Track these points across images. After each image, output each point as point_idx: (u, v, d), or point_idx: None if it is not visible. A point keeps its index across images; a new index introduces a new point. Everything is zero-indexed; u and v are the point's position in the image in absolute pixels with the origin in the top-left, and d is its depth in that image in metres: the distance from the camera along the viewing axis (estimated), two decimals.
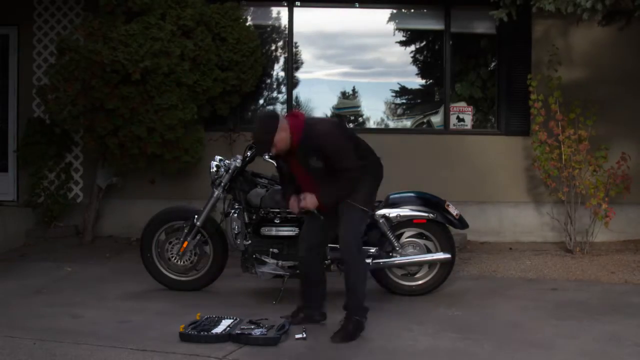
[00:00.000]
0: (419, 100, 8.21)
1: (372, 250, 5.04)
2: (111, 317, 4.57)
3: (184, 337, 4.03)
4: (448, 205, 5.17)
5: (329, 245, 5.02)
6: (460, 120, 7.80)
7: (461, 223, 5.20)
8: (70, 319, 4.54)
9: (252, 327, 4.18)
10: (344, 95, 8.14)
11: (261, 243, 5.03)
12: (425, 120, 8.04)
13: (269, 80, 8.02)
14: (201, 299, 5.13)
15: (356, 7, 7.90)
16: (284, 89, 7.95)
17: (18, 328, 4.26)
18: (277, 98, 8.08)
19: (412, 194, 5.26)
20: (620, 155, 6.82)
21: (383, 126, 8.08)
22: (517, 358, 3.83)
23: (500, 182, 7.61)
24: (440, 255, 5.12)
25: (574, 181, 6.80)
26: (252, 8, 7.86)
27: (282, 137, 3.95)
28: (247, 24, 7.31)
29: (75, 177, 7.83)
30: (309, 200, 4.15)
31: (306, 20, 7.87)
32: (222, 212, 5.24)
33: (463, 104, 7.83)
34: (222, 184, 5.16)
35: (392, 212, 5.07)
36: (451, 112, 7.79)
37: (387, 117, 8.14)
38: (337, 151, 3.97)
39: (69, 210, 7.67)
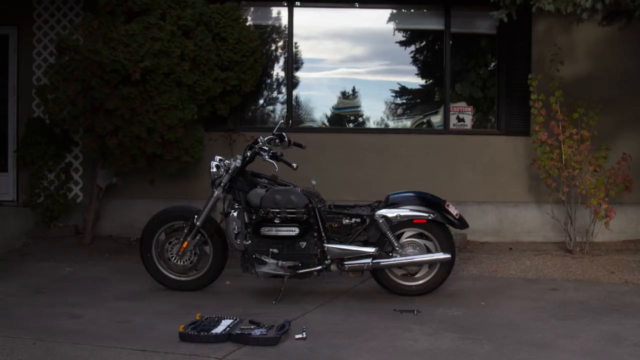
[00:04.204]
0: (419, 100, 8.20)
1: (372, 250, 5.04)
2: (111, 317, 4.57)
3: (184, 337, 4.03)
4: (448, 205, 5.17)
5: (329, 246, 5.03)
6: (460, 120, 7.80)
7: (461, 223, 5.19)
8: (70, 319, 4.53)
9: (252, 327, 4.18)
10: (344, 95, 8.13)
11: (261, 243, 5.03)
12: (425, 120, 8.04)
13: (269, 80, 8.02)
14: (201, 299, 5.13)
15: (356, 7, 7.91)
16: (284, 89, 7.95)
17: (18, 328, 4.26)
18: (277, 98, 8.08)
19: (412, 194, 5.26)
20: (621, 156, 6.82)
21: (383, 126, 8.08)
22: (517, 358, 3.82)
23: (500, 182, 7.62)
24: (440, 255, 5.11)
25: (574, 181, 6.80)
26: (252, 8, 7.87)
27: None
28: (247, 24, 7.31)
29: (75, 177, 7.83)
30: None
31: (306, 20, 7.87)
32: (222, 212, 5.25)
33: (463, 104, 7.83)
34: (222, 184, 5.16)
35: (392, 212, 5.06)
36: (451, 112, 7.79)
37: (387, 117, 8.14)
38: None
39: (69, 210, 7.67)
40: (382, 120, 8.13)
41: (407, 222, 5.12)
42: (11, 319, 4.51)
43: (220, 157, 5.30)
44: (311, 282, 5.34)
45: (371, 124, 8.10)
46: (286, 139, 5.39)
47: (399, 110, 8.23)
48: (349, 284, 5.56)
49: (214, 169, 5.21)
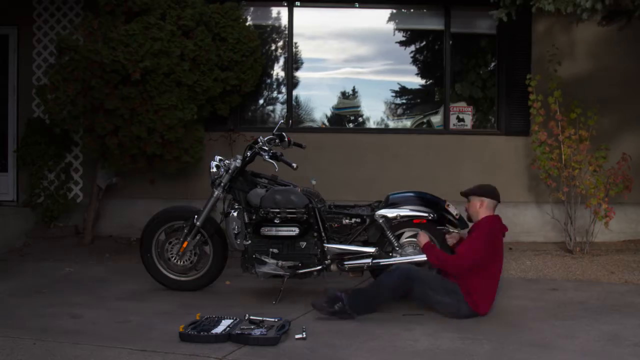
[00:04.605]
0: (419, 100, 8.21)
1: (372, 250, 5.04)
2: (111, 317, 4.57)
3: (184, 337, 4.03)
4: (448, 205, 5.16)
5: (329, 246, 5.03)
6: (460, 120, 7.80)
7: (461, 223, 5.19)
8: (70, 319, 4.53)
9: (252, 327, 4.18)
10: (344, 95, 8.14)
11: (261, 243, 5.03)
12: (425, 120, 8.05)
13: (269, 80, 8.02)
14: (201, 299, 5.13)
15: (356, 7, 7.91)
16: (284, 89, 7.95)
17: (18, 328, 4.26)
18: (277, 98, 8.09)
19: (411, 194, 5.25)
20: (620, 156, 6.82)
21: (383, 126, 8.08)
22: (517, 358, 3.83)
23: (500, 182, 7.51)
24: None
25: (574, 181, 6.80)
26: (252, 8, 7.88)
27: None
28: (247, 24, 7.31)
29: (75, 177, 7.84)
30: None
31: (306, 20, 7.87)
32: (222, 212, 5.24)
33: (463, 104, 7.83)
34: (222, 184, 5.16)
35: (392, 212, 5.05)
36: (451, 112, 7.79)
37: (387, 117, 8.14)
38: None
39: (69, 210, 7.67)
40: (382, 120, 8.13)
41: (407, 222, 5.12)
42: (11, 319, 4.51)
43: (220, 157, 5.30)
44: (311, 282, 5.34)
45: (371, 124, 8.10)
46: (286, 139, 5.39)
47: (399, 110, 8.23)
48: (349, 284, 5.55)
49: (214, 169, 5.21)
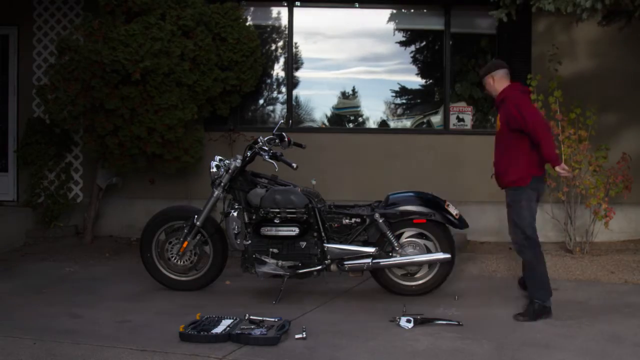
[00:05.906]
0: (419, 100, 8.21)
1: (372, 250, 5.04)
2: (111, 317, 4.58)
3: (184, 337, 4.03)
4: (448, 205, 5.17)
5: (329, 246, 5.03)
6: (460, 120, 7.80)
7: (461, 223, 5.19)
8: (70, 319, 4.54)
9: (252, 327, 4.19)
10: (344, 95, 8.14)
11: (261, 243, 5.04)
12: (425, 120, 8.05)
13: (269, 80, 8.02)
14: (201, 299, 5.13)
15: (356, 7, 7.91)
16: (284, 89, 7.95)
17: (18, 328, 4.27)
18: (277, 98, 8.08)
19: (411, 194, 5.26)
20: (620, 156, 6.82)
21: (383, 126, 8.08)
22: (517, 358, 3.83)
23: None
24: (440, 255, 5.11)
25: (574, 181, 6.80)
26: (252, 8, 7.88)
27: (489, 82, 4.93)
28: (247, 24, 7.31)
29: (75, 177, 7.84)
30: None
31: (306, 20, 7.87)
32: (222, 212, 5.25)
33: (463, 104, 7.83)
34: (222, 184, 5.17)
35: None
36: (451, 112, 7.79)
37: (387, 117, 8.14)
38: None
39: (69, 210, 7.67)
40: (382, 120, 8.13)
41: (407, 222, 5.12)
42: (11, 319, 4.51)
43: (220, 157, 5.31)
44: (311, 282, 5.35)
45: (371, 124, 8.10)
46: (286, 139, 5.39)
47: (399, 110, 8.23)
48: (349, 284, 5.56)
49: (214, 169, 5.22)
